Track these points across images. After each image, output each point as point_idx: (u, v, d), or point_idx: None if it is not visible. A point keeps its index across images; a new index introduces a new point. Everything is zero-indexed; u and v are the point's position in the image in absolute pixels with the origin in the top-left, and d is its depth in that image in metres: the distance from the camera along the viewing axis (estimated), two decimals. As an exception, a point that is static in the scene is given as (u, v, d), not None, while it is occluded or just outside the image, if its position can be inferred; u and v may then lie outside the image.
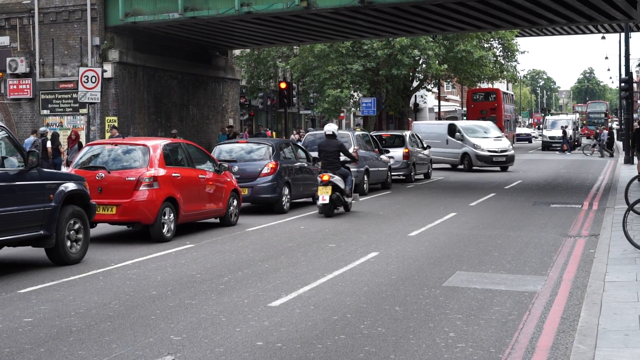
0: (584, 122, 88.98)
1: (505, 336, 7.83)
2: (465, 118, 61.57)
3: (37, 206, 11.42)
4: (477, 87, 60.92)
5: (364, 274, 11.05)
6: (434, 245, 13.81)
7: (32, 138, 25.00)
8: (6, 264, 12.15)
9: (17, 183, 11.17)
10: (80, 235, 12.27)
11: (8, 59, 29.34)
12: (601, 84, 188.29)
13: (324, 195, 18.13)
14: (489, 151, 36.28)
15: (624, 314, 8.10)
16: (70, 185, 12.07)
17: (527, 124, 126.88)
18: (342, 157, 19.41)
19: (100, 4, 28.35)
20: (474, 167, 36.37)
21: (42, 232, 11.53)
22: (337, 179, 18.56)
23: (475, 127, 39.40)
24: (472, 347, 7.46)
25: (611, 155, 48.73)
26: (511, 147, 37.99)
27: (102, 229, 15.49)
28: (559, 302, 9.30)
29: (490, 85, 63.75)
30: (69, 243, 11.99)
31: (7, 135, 11.59)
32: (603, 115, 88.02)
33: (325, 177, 18.21)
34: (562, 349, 7.36)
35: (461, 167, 37.00)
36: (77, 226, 12.19)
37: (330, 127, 19.84)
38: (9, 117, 29.45)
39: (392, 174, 27.82)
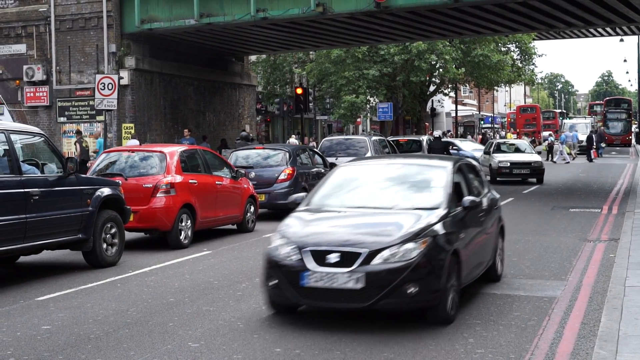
0: (601, 123, 71.21)
1: (525, 342, 7.76)
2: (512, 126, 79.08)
3: (75, 211, 11.78)
4: (525, 104, 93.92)
5: (381, 280, 10.98)
6: (452, 250, 13.70)
7: None
8: (25, 271, 12.20)
9: (57, 189, 11.48)
10: (116, 240, 12.62)
11: (25, 67, 29.47)
12: (620, 87, 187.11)
13: None
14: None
15: (646, 319, 8.01)
16: (106, 191, 12.46)
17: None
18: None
19: (116, 11, 28.45)
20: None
21: (80, 235, 11.92)
22: None
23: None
24: (491, 352, 7.40)
25: None
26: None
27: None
28: (579, 307, 9.22)
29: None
30: (105, 246, 12.36)
31: (45, 141, 11.89)
32: (625, 116, 70.88)
33: None
34: (582, 354, 7.29)
35: None
36: (113, 230, 12.55)
37: (437, 132, 31.29)
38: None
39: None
